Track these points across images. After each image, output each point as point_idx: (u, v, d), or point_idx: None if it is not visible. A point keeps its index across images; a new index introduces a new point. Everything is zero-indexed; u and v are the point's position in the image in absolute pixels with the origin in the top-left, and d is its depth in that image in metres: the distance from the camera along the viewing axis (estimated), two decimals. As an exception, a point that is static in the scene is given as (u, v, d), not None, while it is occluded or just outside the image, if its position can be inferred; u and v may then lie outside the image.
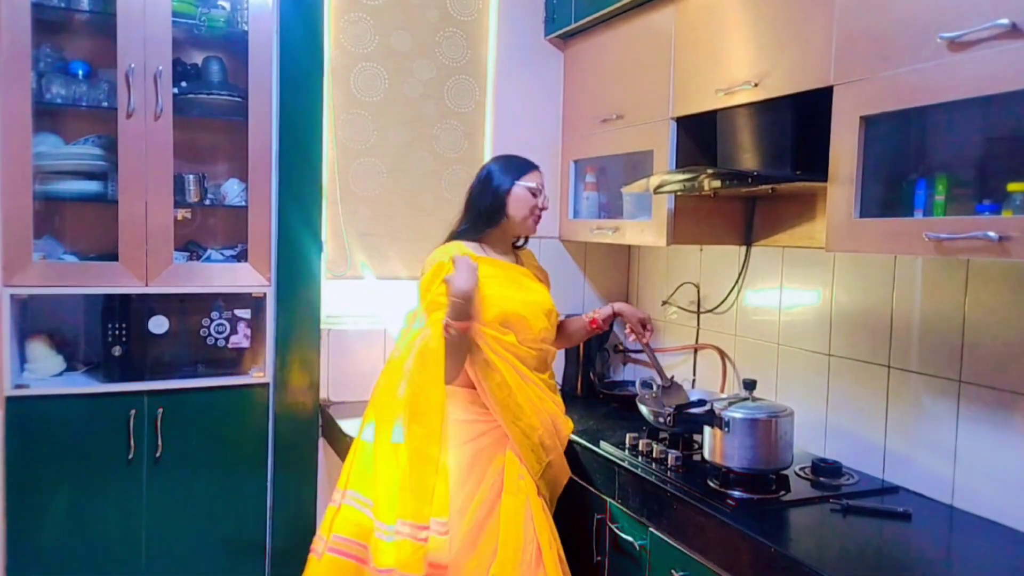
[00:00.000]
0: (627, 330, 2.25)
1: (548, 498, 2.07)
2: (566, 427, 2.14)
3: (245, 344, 2.42)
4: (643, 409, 2.14)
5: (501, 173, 2.07)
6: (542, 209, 2.09)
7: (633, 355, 3.05)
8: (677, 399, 2.13)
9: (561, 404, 2.16)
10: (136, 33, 2.18)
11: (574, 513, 2.29)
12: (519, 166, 2.09)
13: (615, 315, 2.24)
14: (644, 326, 2.21)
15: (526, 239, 2.21)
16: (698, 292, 2.65)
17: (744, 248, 2.43)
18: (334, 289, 2.71)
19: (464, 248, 2.06)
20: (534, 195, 2.07)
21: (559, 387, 2.98)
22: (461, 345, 1.93)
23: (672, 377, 2.22)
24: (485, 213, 2.06)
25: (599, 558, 2.14)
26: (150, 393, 2.26)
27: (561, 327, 2.33)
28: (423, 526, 1.85)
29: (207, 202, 2.42)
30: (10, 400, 2.12)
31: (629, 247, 3.10)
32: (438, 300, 1.93)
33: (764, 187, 2.01)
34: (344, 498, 1.92)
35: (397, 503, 1.86)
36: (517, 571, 1.88)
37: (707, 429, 1.87)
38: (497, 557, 1.89)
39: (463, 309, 1.88)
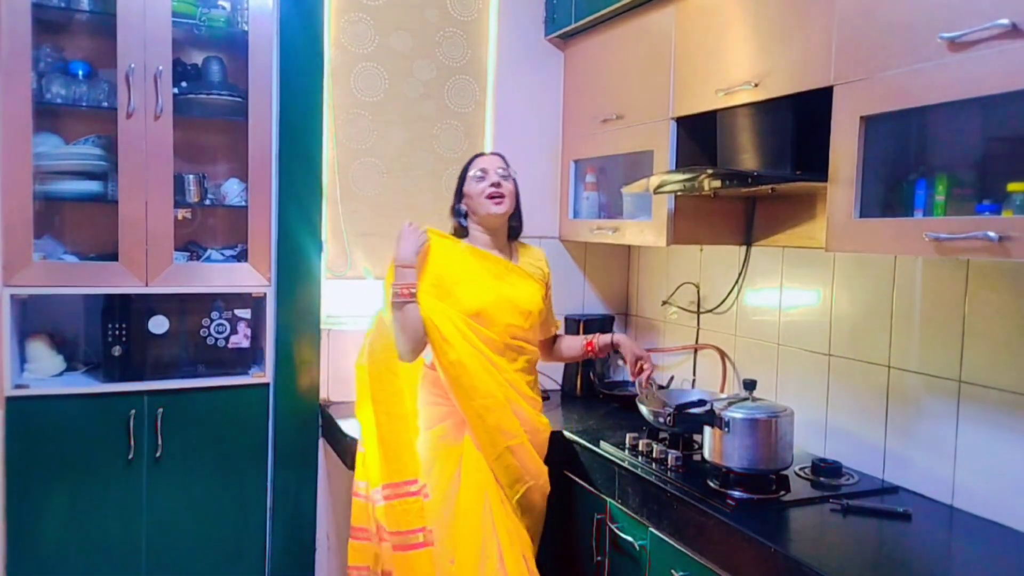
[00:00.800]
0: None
1: (507, 487, 1.99)
2: (537, 421, 2.08)
3: (245, 344, 2.42)
4: (643, 409, 2.14)
5: (461, 172, 2.15)
6: (493, 185, 2.05)
7: (633, 355, 3.05)
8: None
9: (535, 401, 2.11)
10: (136, 33, 2.17)
11: (574, 513, 2.29)
12: (470, 159, 2.15)
13: (614, 346, 2.24)
14: (641, 366, 2.19)
15: (517, 229, 2.17)
16: (698, 292, 2.66)
17: (744, 248, 2.43)
18: (334, 289, 2.71)
19: (446, 239, 2.11)
20: (481, 179, 2.07)
21: (559, 387, 2.99)
22: (409, 312, 1.96)
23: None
24: (455, 212, 2.15)
25: (599, 558, 2.14)
26: (150, 393, 2.26)
27: (556, 341, 2.32)
28: (407, 481, 1.96)
29: (207, 202, 2.42)
30: (10, 400, 2.12)
31: (629, 247, 3.10)
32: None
33: (764, 187, 2.01)
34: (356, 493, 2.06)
35: (379, 469, 1.99)
36: (476, 569, 1.88)
37: (707, 429, 1.87)
38: (456, 553, 1.91)
39: (404, 274, 1.97)
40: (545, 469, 2.08)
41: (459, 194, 2.13)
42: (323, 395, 2.59)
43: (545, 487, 2.09)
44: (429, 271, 2.04)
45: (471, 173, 2.09)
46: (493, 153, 2.17)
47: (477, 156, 2.15)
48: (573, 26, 2.74)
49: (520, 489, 2.01)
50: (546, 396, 2.86)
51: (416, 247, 2.00)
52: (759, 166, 1.99)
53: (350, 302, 2.74)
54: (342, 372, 2.65)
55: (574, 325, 2.91)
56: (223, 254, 2.44)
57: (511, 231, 2.17)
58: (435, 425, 2.03)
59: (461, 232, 2.15)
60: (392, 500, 1.96)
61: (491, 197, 2.04)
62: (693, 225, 2.32)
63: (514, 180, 2.12)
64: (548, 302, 2.24)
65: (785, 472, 1.88)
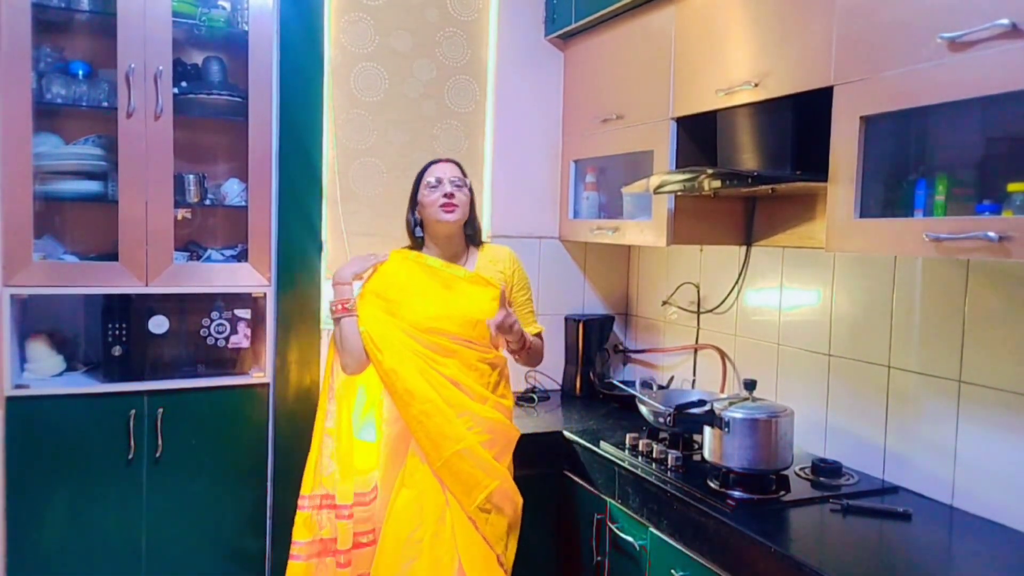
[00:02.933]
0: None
1: (462, 496, 1.93)
2: (496, 421, 2.00)
3: (245, 344, 2.42)
4: (643, 409, 2.14)
5: (415, 180, 2.13)
6: (446, 196, 2.03)
7: (633, 355, 3.05)
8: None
9: (498, 404, 2.04)
10: (136, 33, 2.17)
11: (574, 513, 2.30)
12: (424, 167, 2.13)
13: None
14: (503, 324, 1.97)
15: (474, 237, 2.14)
16: (698, 292, 2.66)
17: (744, 248, 2.43)
18: (334, 289, 2.71)
19: (402, 252, 2.12)
20: (435, 187, 2.06)
21: (559, 387, 2.98)
22: (347, 326, 2.01)
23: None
24: (409, 221, 2.14)
25: (599, 558, 2.15)
26: (150, 393, 2.26)
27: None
28: (304, 494, 2.03)
29: (207, 202, 2.42)
30: (10, 400, 2.12)
31: (629, 247, 3.10)
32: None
33: (764, 187, 2.01)
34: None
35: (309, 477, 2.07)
36: (396, 563, 1.89)
37: (707, 429, 1.87)
38: (378, 549, 1.95)
39: (340, 291, 2.04)
40: (505, 472, 1.99)
41: (413, 202, 2.12)
42: (323, 395, 2.59)
43: (509, 491, 1.99)
44: (375, 287, 2.06)
45: (425, 180, 2.08)
46: (448, 160, 2.14)
47: (432, 163, 2.12)
48: (573, 26, 2.75)
49: (478, 496, 1.93)
50: (546, 396, 2.87)
51: (357, 269, 2.07)
52: (759, 166, 1.99)
53: (350, 302, 2.74)
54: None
55: (574, 325, 2.91)
56: (223, 254, 2.44)
57: (467, 239, 2.15)
58: (393, 425, 2.01)
59: (416, 244, 2.14)
60: (300, 511, 2.04)
61: (443, 206, 2.03)
62: (693, 225, 2.33)
63: (469, 189, 2.11)
64: (516, 305, 2.14)
65: (785, 472, 1.88)
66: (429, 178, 2.08)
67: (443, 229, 2.08)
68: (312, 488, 2.03)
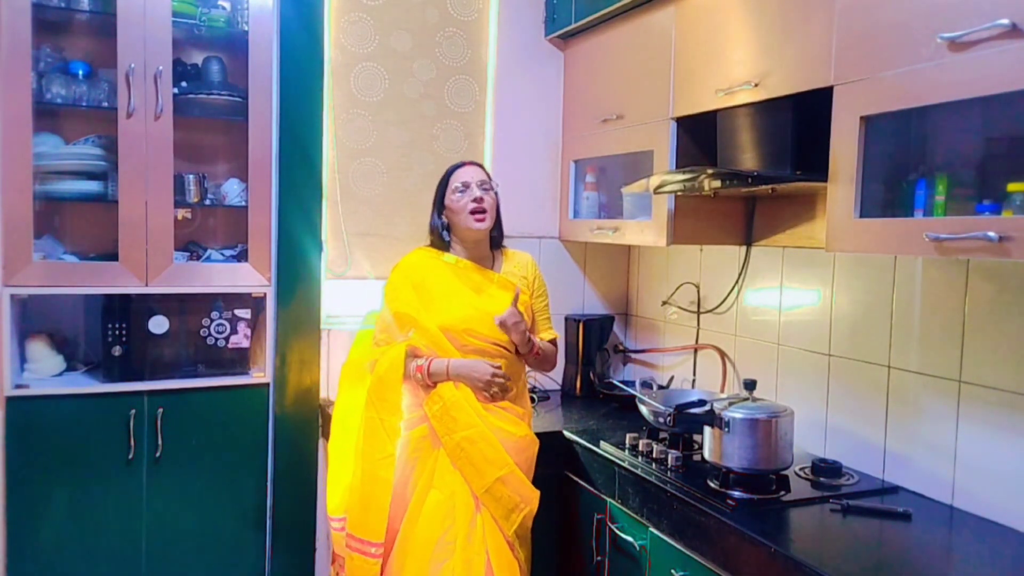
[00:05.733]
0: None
1: (501, 519, 1.96)
2: (521, 437, 2.04)
3: (245, 344, 2.42)
4: (643, 409, 2.14)
5: (440, 184, 2.13)
6: (475, 201, 2.03)
7: (633, 355, 3.05)
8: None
9: (522, 412, 2.08)
10: (136, 33, 2.17)
11: (574, 513, 2.30)
12: (449, 170, 2.12)
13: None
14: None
15: (498, 239, 2.15)
16: (698, 292, 2.66)
17: (744, 248, 2.43)
18: (334, 289, 2.71)
19: (431, 251, 2.12)
20: (463, 192, 2.05)
21: (559, 387, 2.99)
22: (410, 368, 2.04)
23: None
24: (435, 225, 2.12)
25: (599, 558, 2.15)
26: (150, 393, 2.26)
27: None
28: (373, 543, 1.96)
29: (207, 202, 2.42)
30: (10, 400, 2.12)
31: (629, 247, 3.10)
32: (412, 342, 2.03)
33: (764, 187, 2.01)
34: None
35: (341, 503, 2.05)
36: (426, 564, 1.89)
37: (707, 429, 1.87)
38: (405, 550, 1.94)
39: (440, 378, 2.00)
40: (537, 493, 2.02)
41: (439, 206, 2.11)
42: (323, 395, 2.59)
43: (535, 511, 2.03)
44: (412, 277, 2.06)
45: (452, 185, 2.07)
46: (472, 163, 2.14)
47: (457, 168, 2.12)
48: (573, 26, 2.75)
49: (516, 519, 1.98)
50: (546, 396, 2.87)
51: (466, 380, 1.99)
52: (759, 166, 1.99)
53: (350, 302, 2.74)
54: (342, 372, 2.65)
55: (574, 325, 2.91)
56: (223, 254, 2.44)
57: (492, 241, 2.14)
58: (416, 426, 2.02)
59: (442, 246, 2.13)
60: (353, 553, 1.98)
61: (473, 213, 2.03)
62: (693, 225, 2.33)
63: (495, 191, 2.11)
64: (535, 311, 2.17)
65: (785, 472, 1.88)
66: (456, 183, 2.07)
67: (473, 235, 2.08)
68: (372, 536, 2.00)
